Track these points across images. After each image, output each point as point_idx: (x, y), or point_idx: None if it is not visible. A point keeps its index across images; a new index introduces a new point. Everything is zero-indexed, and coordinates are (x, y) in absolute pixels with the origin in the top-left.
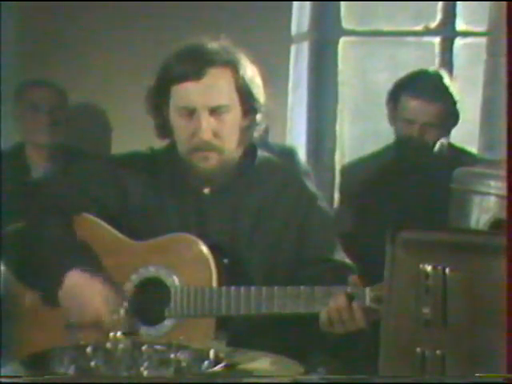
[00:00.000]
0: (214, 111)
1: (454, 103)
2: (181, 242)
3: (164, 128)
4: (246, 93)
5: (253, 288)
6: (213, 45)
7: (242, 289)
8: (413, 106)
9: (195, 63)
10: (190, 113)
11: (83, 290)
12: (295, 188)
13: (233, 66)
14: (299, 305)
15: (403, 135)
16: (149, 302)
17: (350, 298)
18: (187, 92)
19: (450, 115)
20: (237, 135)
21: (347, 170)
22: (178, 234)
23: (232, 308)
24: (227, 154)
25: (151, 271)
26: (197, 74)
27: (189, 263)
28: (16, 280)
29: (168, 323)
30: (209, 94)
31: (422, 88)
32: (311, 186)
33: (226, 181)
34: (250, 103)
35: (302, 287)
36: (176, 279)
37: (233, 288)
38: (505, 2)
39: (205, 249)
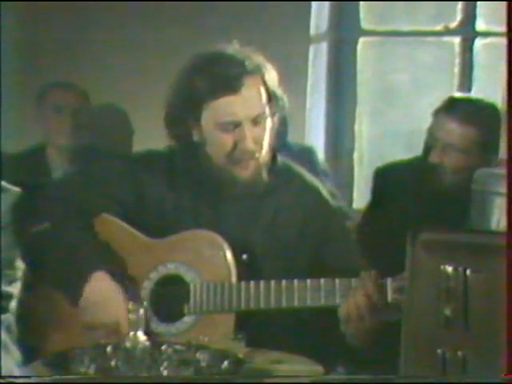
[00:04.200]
0: (255, 120)
1: (492, 134)
2: (199, 239)
3: (186, 140)
4: (272, 97)
5: (272, 282)
6: (236, 52)
7: (262, 283)
8: (439, 122)
9: (229, 76)
10: (235, 126)
11: (106, 292)
12: (313, 197)
13: (260, 72)
14: (320, 298)
15: (424, 151)
16: (168, 299)
17: (367, 293)
18: (230, 106)
19: (482, 144)
20: (268, 139)
21: (382, 173)
22: (196, 231)
23: (252, 303)
24: (262, 159)
25: (170, 268)
26: (235, 87)
27: (208, 259)
28: (38, 281)
29: (188, 320)
30: (249, 104)
31: (455, 108)
32: (330, 196)
33: (259, 185)
34: (275, 106)
35: (322, 280)
36: (195, 275)
37: (252, 282)
38: (505, 2)
39: (224, 245)
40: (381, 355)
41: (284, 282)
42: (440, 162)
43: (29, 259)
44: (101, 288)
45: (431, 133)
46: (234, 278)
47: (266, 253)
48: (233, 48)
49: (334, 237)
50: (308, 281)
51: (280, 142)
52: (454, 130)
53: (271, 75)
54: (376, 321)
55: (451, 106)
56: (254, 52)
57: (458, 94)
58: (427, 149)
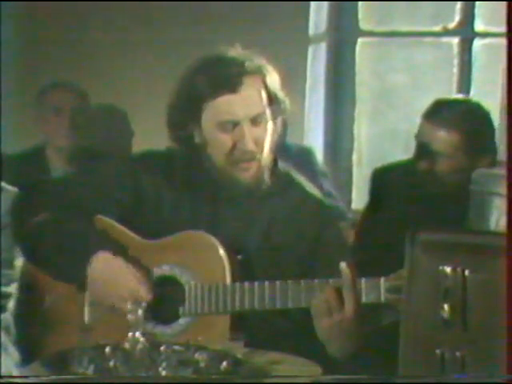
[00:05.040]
0: (254, 120)
1: (480, 135)
2: (194, 240)
3: (188, 142)
4: (273, 98)
5: (266, 283)
6: (238, 54)
7: (256, 284)
8: (424, 128)
9: (229, 75)
10: (234, 126)
11: (113, 267)
12: (312, 206)
13: (261, 74)
14: (313, 298)
15: (413, 158)
16: (163, 301)
17: (338, 288)
18: (229, 105)
19: (469, 147)
20: (270, 141)
21: (380, 174)
22: (191, 232)
23: (246, 304)
24: (263, 161)
25: (165, 270)
26: (234, 85)
27: (203, 261)
28: (40, 271)
29: (183, 322)
30: (248, 104)
31: (439, 113)
32: (327, 201)
33: (260, 187)
34: (276, 108)
35: (316, 280)
36: (190, 277)
37: (246, 283)
38: (505, 2)
39: (218, 246)
40: (378, 356)
41: (278, 283)
42: (430, 168)
43: (28, 251)
44: (106, 265)
45: (418, 139)
46: (228, 280)
47: (261, 255)
48: (234, 50)
49: (328, 243)
50: (302, 281)
51: (279, 143)
52: (439, 138)
53: (273, 77)
54: (349, 320)
55: (434, 112)
56: (256, 54)
57: (442, 98)
58: (417, 154)
